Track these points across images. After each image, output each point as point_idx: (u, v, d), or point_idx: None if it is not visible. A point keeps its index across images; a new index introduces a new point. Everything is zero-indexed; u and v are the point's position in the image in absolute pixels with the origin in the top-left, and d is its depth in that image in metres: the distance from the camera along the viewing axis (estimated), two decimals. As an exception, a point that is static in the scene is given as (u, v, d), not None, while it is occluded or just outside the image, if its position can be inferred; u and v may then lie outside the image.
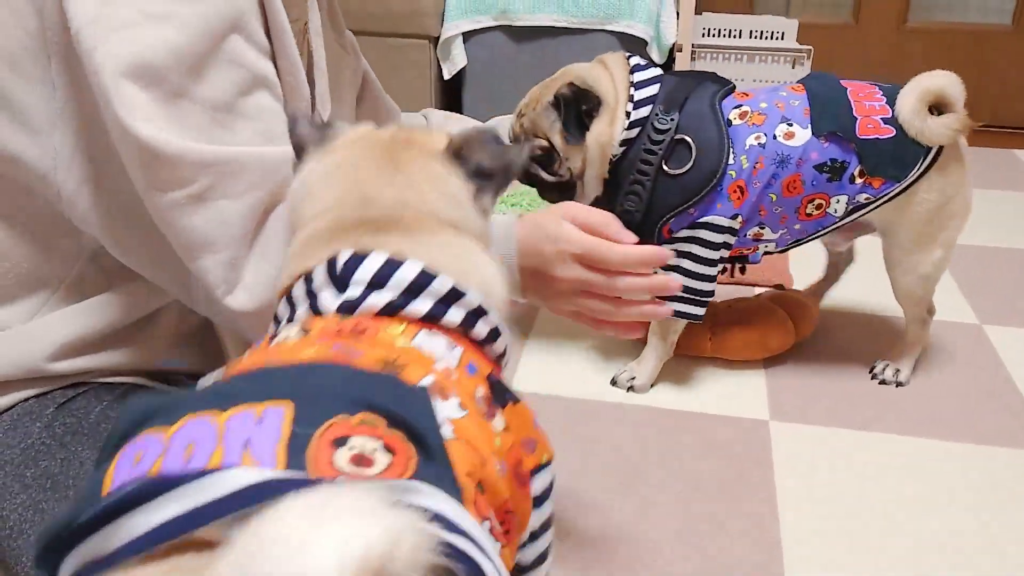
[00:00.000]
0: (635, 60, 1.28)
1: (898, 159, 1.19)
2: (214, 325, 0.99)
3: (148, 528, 0.42)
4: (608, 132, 1.24)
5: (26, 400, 0.90)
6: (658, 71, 1.27)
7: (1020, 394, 1.34)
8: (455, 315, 0.65)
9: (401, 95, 2.22)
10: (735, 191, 1.22)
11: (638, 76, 1.25)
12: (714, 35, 2.52)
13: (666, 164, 1.21)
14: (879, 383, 1.36)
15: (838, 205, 1.23)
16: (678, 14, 2.17)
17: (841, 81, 1.26)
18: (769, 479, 1.16)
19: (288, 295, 0.68)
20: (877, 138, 1.19)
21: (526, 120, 1.30)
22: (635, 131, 1.22)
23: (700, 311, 1.27)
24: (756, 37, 2.50)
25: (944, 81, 1.20)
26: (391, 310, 0.63)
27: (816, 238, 1.30)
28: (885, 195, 1.21)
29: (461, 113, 2.30)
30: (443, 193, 0.69)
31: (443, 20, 2.19)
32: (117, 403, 0.92)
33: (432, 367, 0.59)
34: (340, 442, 0.47)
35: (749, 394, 1.35)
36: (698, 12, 2.57)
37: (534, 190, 1.35)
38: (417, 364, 0.58)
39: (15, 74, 0.79)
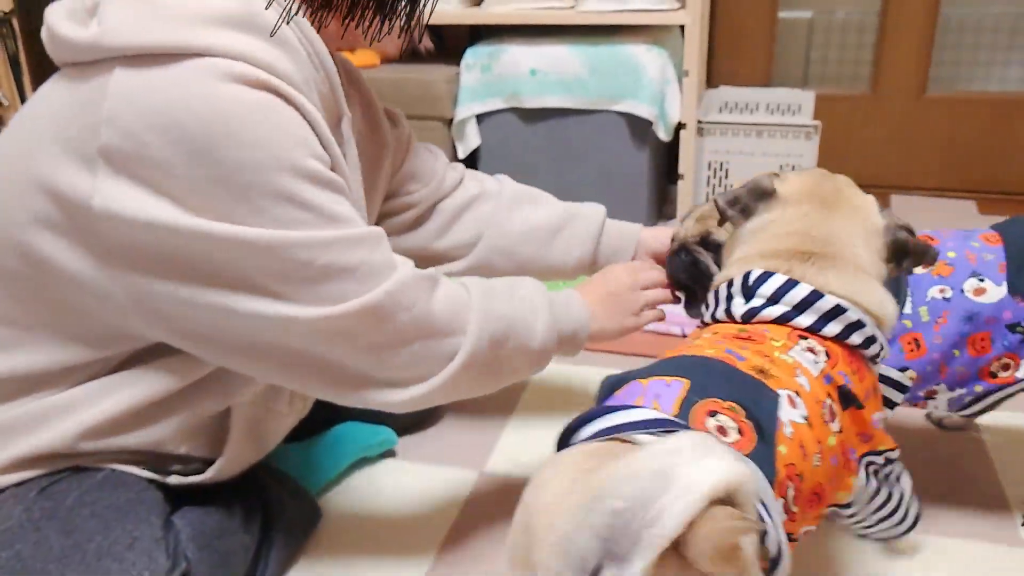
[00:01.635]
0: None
1: None
2: (230, 416, 1.07)
3: (595, 431, 0.74)
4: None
5: (17, 484, 0.97)
6: None
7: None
8: (834, 328, 0.90)
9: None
10: (910, 343, 1.13)
11: None
12: (731, 109, 2.57)
13: None
14: None
15: None
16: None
17: None
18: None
19: (715, 291, 0.97)
20: None
21: (711, 221, 1.21)
22: None
23: None
24: (772, 111, 2.54)
25: None
26: (781, 320, 0.90)
27: (997, 403, 1.17)
28: None
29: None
30: (867, 242, 0.95)
31: (456, 103, 2.29)
32: (96, 489, 0.98)
33: (794, 380, 0.82)
34: (712, 414, 0.74)
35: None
36: (714, 86, 2.63)
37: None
38: (781, 377, 0.82)
39: None
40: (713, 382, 0.78)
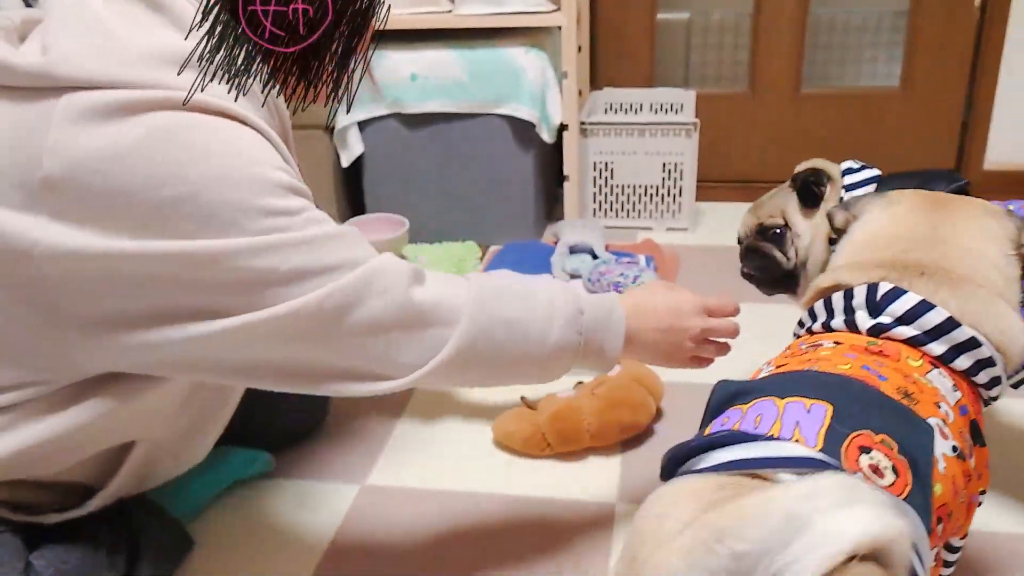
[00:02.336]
0: (846, 164, 1.28)
1: None
2: (131, 450, 1.02)
3: (725, 460, 0.66)
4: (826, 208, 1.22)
5: None
6: (874, 172, 1.25)
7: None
8: (964, 362, 0.80)
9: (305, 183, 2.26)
10: None
11: (852, 177, 1.24)
12: (616, 110, 2.59)
13: None
14: None
15: None
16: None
17: None
18: (605, 562, 1.16)
19: (828, 299, 0.88)
20: None
21: (762, 207, 1.32)
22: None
23: None
24: (656, 110, 2.57)
25: None
26: (912, 343, 0.81)
27: None
28: None
29: (363, 198, 2.35)
30: (987, 253, 0.85)
31: (336, 111, 2.24)
32: None
33: (937, 408, 0.74)
34: (865, 450, 0.65)
35: (601, 475, 1.36)
36: (599, 87, 2.65)
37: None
38: (927, 403, 0.73)
39: None
40: (860, 408, 0.69)
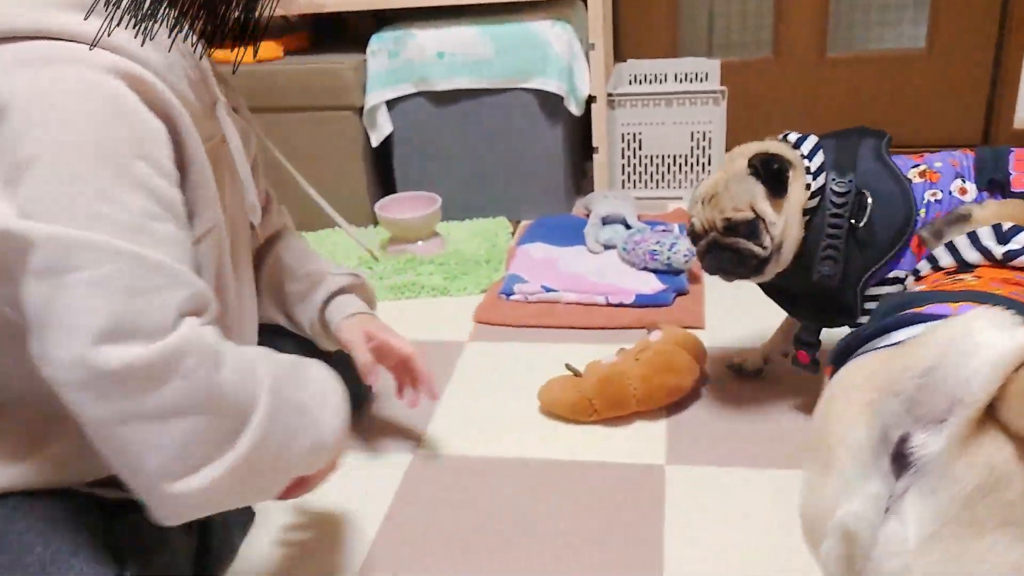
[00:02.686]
0: (792, 136, 1.31)
1: None
2: None
3: (900, 340, 0.73)
4: (801, 194, 1.25)
5: None
6: (815, 139, 1.30)
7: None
8: None
9: (333, 164, 2.29)
10: (917, 245, 1.25)
11: (805, 148, 1.29)
12: (640, 81, 2.59)
13: (854, 224, 1.24)
14: None
15: None
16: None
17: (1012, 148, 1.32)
18: (658, 522, 1.19)
19: (950, 244, 0.97)
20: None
21: (721, 201, 1.27)
22: (816, 200, 1.26)
23: None
24: (680, 80, 2.57)
25: None
26: None
27: None
28: None
29: (393, 177, 2.37)
30: None
31: (365, 91, 2.25)
32: (25, 506, 0.93)
33: None
34: None
35: (648, 439, 1.38)
36: (622, 59, 2.65)
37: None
38: None
39: None
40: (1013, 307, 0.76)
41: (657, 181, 2.43)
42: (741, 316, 1.73)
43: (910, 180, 1.27)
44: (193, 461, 0.81)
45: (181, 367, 0.79)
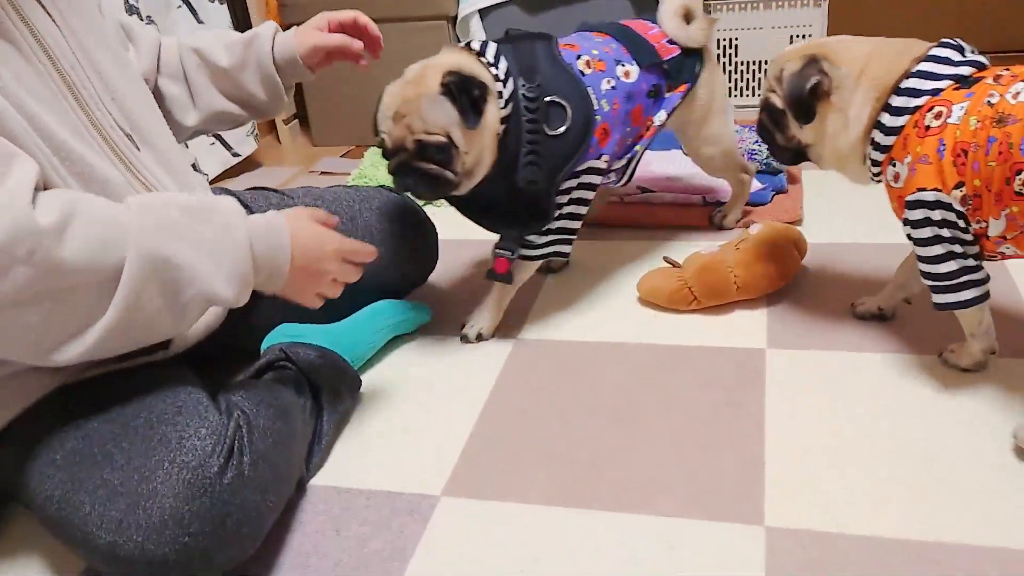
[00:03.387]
0: (476, 44, 1.29)
1: (687, 66, 1.48)
2: None
3: None
4: (496, 114, 1.24)
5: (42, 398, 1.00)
6: (495, 45, 1.30)
7: (1026, 308, 1.34)
8: None
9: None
10: (601, 133, 1.34)
11: (489, 56, 1.27)
12: (736, -12, 2.52)
13: (547, 127, 1.27)
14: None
15: (662, 116, 1.46)
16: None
17: (621, 22, 1.49)
18: (759, 400, 1.20)
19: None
20: (672, 56, 1.45)
21: (413, 121, 1.20)
22: (510, 107, 1.25)
23: (570, 248, 1.39)
24: (778, -14, 2.49)
25: None
26: None
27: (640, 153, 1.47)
28: (683, 96, 1.48)
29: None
30: None
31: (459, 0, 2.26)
32: (124, 380, 1.01)
33: None
34: None
35: (748, 326, 1.38)
36: (717, -33, 2.58)
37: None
38: None
39: None
40: None
41: (753, 88, 2.37)
42: (839, 212, 1.71)
43: (583, 73, 1.33)
44: (63, 336, 0.87)
45: (18, 255, 0.80)
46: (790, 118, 1.21)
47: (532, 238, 1.35)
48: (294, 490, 1.09)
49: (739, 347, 1.33)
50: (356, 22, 1.33)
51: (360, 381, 1.29)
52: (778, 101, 1.22)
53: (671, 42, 1.46)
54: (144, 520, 0.87)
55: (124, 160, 1.03)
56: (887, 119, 1.12)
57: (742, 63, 2.35)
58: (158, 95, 1.26)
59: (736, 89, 2.39)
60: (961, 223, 1.08)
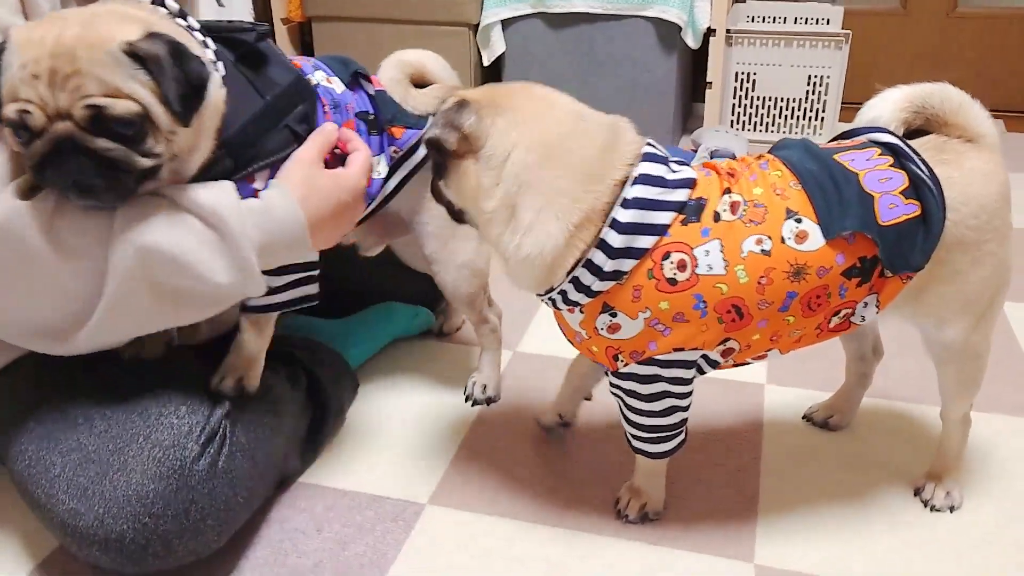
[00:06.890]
0: (173, 4, 0.91)
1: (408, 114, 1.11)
2: None
3: None
4: (220, 91, 0.88)
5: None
6: (175, 5, 0.91)
7: (1028, 367, 1.33)
8: None
9: (442, 81, 2.30)
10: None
11: (164, 11, 0.90)
12: (758, 21, 2.53)
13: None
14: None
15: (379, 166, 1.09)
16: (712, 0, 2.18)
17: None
18: (757, 437, 1.18)
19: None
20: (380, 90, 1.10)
21: (85, 81, 0.78)
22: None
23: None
24: (801, 23, 2.50)
25: (419, 55, 1.14)
26: None
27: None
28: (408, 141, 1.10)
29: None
30: None
31: (482, 8, 2.25)
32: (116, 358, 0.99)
33: None
34: None
35: (749, 360, 1.37)
36: (741, 0, 2.59)
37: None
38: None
39: None
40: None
41: (767, 124, 2.38)
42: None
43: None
44: (59, 331, 0.86)
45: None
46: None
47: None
48: (272, 489, 1.06)
49: (738, 380, 1.32)
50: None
51: (358, 381, 1.27)
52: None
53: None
54: (109, 492, 0.86)
55: None
56: (608, 264, 0.88)
57: (758, 98, 2.35)
58: None
59: (751, 124, 2.39)
60: (693, 372, 0.95)
